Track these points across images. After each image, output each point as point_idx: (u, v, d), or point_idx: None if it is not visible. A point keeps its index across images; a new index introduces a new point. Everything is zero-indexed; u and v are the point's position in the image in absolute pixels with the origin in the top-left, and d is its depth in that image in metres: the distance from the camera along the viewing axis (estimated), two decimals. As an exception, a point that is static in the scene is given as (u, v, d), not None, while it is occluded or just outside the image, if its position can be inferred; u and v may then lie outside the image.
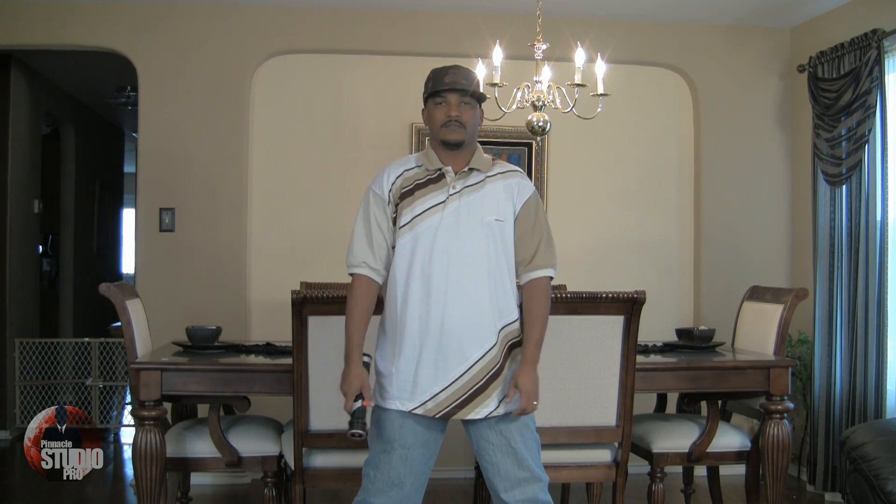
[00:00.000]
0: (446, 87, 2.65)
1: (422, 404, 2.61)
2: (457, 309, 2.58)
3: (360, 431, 2.55)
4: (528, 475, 2.63)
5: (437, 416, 2.61)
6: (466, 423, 2.68)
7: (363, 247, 2.69)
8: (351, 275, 2.72)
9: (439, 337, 2.59)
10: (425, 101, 2.73)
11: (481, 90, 2.76)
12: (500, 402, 2.62)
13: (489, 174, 2.70)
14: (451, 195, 2.64)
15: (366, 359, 2.64)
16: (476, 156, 2.71)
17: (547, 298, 2.69)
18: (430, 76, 2.72)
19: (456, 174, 2.68)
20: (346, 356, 2.63)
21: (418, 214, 2.64)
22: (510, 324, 2.68)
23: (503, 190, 2.69)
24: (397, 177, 2.71)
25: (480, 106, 2.73)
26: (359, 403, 2.58)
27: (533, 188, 2.76)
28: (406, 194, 2.67)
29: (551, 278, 2.71)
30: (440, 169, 2.68)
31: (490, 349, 2.62)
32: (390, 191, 2.69)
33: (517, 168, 2.79)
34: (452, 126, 2.65)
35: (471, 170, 2.68)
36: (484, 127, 4.89)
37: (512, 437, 2.63)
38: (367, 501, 2.65)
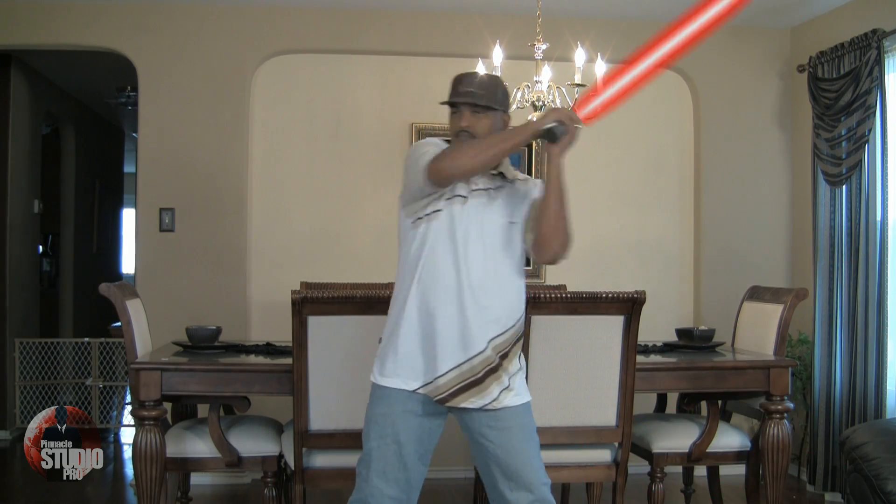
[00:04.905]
0: (459, 98, 2.66)
1: (423, 386, 2.61)
2: (463, 302, 2.58)
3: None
4: (529, 477, 2.61)
5: (435, 399, 2.60)
6: (465, 419, 2.66)
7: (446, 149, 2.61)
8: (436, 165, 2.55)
9: (442, 327, 2.58)
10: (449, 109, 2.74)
11: (504, 96, 2.71)
12: (498, 394, 2.60)
13: (510, 180, 2.72)
14: (473, 190, 2.64)
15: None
16: (504, 162, 2.71)
17: (568, 237, 2.63)
18: (452, 82, 2.71)
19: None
20: (519, 134, 2.56)
21: (444, 199, 2.62)
22: (507, 331, 2.64)
23: (521, 192, 2.71)
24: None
25: (505, 111, 2.72)
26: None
27: None
28: None
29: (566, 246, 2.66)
30: None
31: (508, 329, 2.64)
32: None
33: (529, 177, 2.82)
34: (463, 137, 2.65)
35: (499, 173, 2.70)
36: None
37: (513, 435, 2.62)
38: (363, 501, 2.64)
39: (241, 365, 3.55)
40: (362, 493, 2.64)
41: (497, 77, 2.75)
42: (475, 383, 2.59)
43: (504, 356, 2.64)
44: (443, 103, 2.72)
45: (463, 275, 2.58)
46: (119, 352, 6.36)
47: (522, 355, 2.75)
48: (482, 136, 2.63)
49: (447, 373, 2.59)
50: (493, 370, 2.61)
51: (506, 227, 2.66)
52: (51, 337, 6.68)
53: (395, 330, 2.66)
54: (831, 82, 4.81)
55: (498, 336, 2.62)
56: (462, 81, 2.68)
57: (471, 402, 2.60)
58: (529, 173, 5.38)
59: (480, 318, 2.59)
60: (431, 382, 2.61)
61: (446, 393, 2.59)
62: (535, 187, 2.72)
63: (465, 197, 2.63)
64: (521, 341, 2.73)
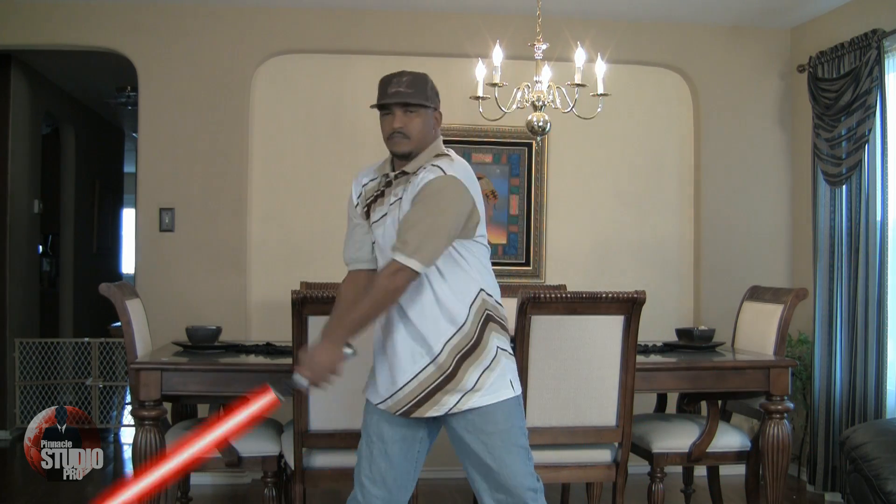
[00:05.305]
0: (389, 99, 2.60)
1: (383, 401, 2.63)
2: (398, 321, 2.59)
3: (278, 395, 2.47)
4: (510, 482, 2.56)
5: (397, 413, 2.60)
6: (446, 425, 2.64)
7: (346, 245, 2.83)
8: None
9: (390, 346, 2.60)
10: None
11: (434, 92, 2.67)
12: (461, 398, 2.55)
13: (412, 177, 2.61)
14: (391, 205, 2.63)
15: (347, 350, 2.53)
16: (417, 159, 2.62)
17: (381, 285, 2.46)
18: (379, 85, 2.66)
19: (395, 180, 2.64)
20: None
21: (372, 228, 2.70)
22: (459, 329, 2.56)
23: (411, 191, 2.59)
24: (363, 186, 2.76)
25: (436, 108, 2.67)
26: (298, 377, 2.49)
27: (436, 176, 2.53)
28: (367, 206, 2.72)
29: (407, 269, 2.44)
30: (388, 175, 2.67)
31: (435, 358, 2.55)
32: (359, 198, 2.76)
33: (438, 163, 2.57)
34: (396, 138, 2.61)
35: (402, 173, 2.63)
36: (484, 127, 4.98)
37: (492, 441, 2.56)
38: (355, 499, 2.67)
39: (241, 365, 3.55)
40: (355, 492, 2.68)
41: (425, 75, 2.68)
42: (434, 391, 2.55)
43: (464, 357, 2.55)
44: (374, 106, 2.65)
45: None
46: (119, 352, 6.36)
47: (504, 349, 2.62)
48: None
49: (405, 385, 2.57)
50: (450, 377, 2.54)
51: None
52: (51, 337, 6.68)
53: (372, 346, 2.70)
54: (831, 82, 4.81)
55: (453, 337, 2.55)
56: (390, 83, 2.62)
57: (433, 410, 2.56)
58: (529, 172, 5.38)
59: (428, 325, 2.55)
60: (391, 397, 2.60)
61: (407, 405, 2.57)
62: (416, 184, 2.55)
63: (385, 215, 2.64)
64: (488, 336, 2.58)
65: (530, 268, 5.41)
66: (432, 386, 2.56)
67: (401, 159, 2.64)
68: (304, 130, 5.35)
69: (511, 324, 3.21)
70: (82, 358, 6.46)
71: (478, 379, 2.55)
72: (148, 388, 3.38)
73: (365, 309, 2.49)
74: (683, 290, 5.55)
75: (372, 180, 2.74)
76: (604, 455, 3.54)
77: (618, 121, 5.36)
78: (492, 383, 2.57)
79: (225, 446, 2.45)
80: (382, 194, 2.67)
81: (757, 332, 4.10)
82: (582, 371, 3.40)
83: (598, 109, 4.12)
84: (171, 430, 3.67)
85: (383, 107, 2.63)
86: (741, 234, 5.48)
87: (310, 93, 5.36)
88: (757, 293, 4.24)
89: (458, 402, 2.56)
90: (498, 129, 5.07)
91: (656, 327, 4.56)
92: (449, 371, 2.55)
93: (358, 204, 2.75)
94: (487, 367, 2.57)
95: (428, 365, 2.56)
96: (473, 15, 5.19)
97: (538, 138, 5.34)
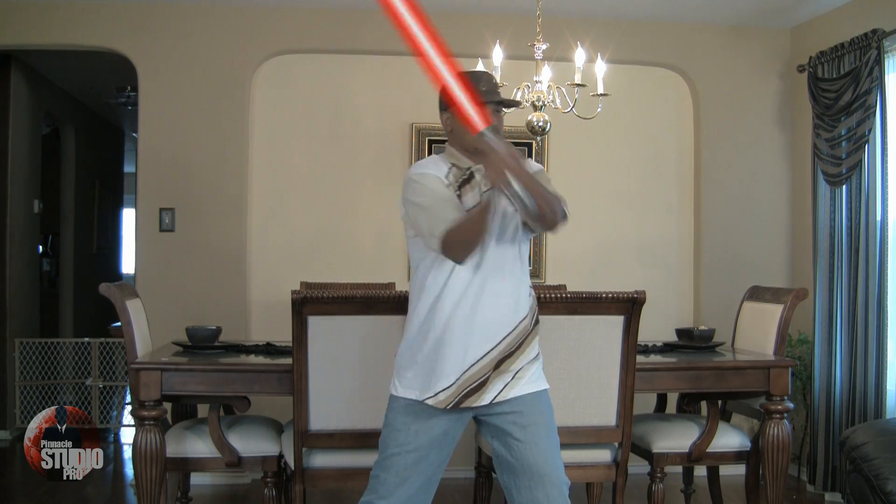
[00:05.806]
0: (489, 100, 2.62)
1: (435, 395, 2.58)
2: (487, 305, 2.57)
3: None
4: (553, 475, 2.59)
5: (448, 406, 2.58)
6: (489, 420, 2.64)
7: (448, 210, 2.54)
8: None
9: (464, 332, 2.56)
10: (448, 107, 2.66)
11: None
12: (503, 386, 2.59)
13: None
14: (483, 192, 2.61)
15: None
16: None
17: (558, 196, 2.68)
18: (464, 80, 2.65)
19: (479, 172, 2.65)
20: (486, 205, 2.50)
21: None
22: (522, 319, 2.64)
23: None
24: (448, 169, 2.66)
25: None
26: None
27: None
28: (459, 189, 2.64)
29: (563, 213, 2.69)
30: (470, 168, 2.66)
31: (504, 339, 2.59)
32: (447, 176, 2.64)
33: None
34: (488, 136, 2.58)
35: None
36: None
37: (538, 432, 2.60)
38: (374, 503, 2.64)
39: (241, 365, 3.55)
40: (375, 496, 2.63)
41: None
42: (482, 383, 2.57)
43: (522, 341, 2.62)
44: (486, 103, 2.59)
45: (484, 275, 2.58)
46: (119, 352, 6.36)
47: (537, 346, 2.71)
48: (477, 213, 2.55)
49: (480, 360, 2.56)
50: (498, 363, 2.58)
51: (508, 215, 2.64)
52: (51, 337, 6.68)
53: (417, 346, 2.63)
54: (831, 82, 4.81)
55: (524, 319, 2.63)
56: (480, 80, 2.68)
57: (480, 400, 2.58)
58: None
59: (517, 298, 2.62)
60: (453, 384, 2.57)
61: (465, 391, 2.57)
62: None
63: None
64: (536, 331, 2.70)
65: (530, 268, 5.39)
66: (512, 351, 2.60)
67: (474, 155, 2.64)
68: (304, 130, 5.35)
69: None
70: (82, 358, 6.46)
71: (523, 367, 2.62)
72: (148, 388, 3.37)
73: (539, 186, 2.57)
74: (683, 290, 5.55)
75: (451, 167, 2.66)
76: (604, 455, 3.54)
77: (618, 121, 5.36)
78: (532, 373, 2.64)
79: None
80: (468, 182, 2.64)
81: (757, 333, 4.10)
82: (582, 371, 3.41)
83: (598, 109, 4.12)
84: (171, 430, 3.67)
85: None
86: (741, 234, 5.48)
87: (310, 93, 5.36)
88: (757, 293, 4.24)
89: (502, 390, 2.59)
90: (498, 129, 5.07)
91: (656, 327, 4.56)
92: (515, 348, 2.61)
93: (450, 184, 2.63)
94: (534, 357, 2.66)
95: (518, 324, 2.61)
96: (473, 15, 5.18)
97: (538, 138, 5.36)
